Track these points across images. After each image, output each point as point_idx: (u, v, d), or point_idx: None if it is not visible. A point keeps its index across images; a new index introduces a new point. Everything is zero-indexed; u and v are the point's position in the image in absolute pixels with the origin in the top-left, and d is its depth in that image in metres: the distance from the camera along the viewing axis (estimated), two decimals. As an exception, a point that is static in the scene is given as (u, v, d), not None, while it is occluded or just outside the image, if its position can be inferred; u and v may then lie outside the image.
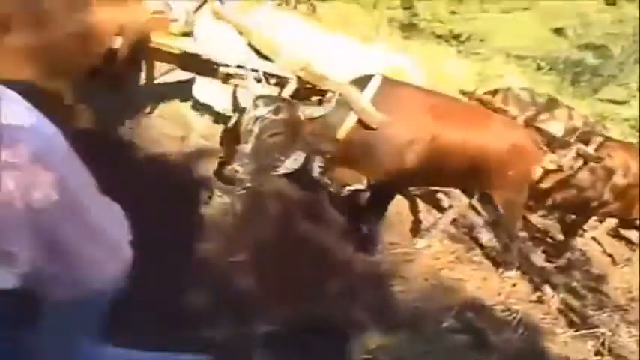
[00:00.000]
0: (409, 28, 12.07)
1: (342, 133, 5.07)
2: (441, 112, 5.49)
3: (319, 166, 5.35)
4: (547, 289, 6.60)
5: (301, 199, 5.98)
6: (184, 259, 4.59)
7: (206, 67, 5.17)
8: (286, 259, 5.07)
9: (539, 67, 12.39)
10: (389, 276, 5.71)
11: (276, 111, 4.78)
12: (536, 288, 6.62)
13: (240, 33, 5.27)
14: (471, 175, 5.84)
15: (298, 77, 5.10)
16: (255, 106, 4.76)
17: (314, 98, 5.21)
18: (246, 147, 4.74)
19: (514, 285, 6.52)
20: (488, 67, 11.17)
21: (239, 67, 5.05)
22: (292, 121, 4.87)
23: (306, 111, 4.93)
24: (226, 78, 5.13)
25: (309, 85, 5.20)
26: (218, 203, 5.38)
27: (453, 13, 12.57)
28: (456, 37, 12.32)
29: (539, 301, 6.41)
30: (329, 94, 5.04)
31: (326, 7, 10.58)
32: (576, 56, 12.33)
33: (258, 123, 4.73)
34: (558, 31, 12.51)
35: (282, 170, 5.08)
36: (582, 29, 12.17)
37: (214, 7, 5.33)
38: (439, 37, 12.30)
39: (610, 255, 8.13)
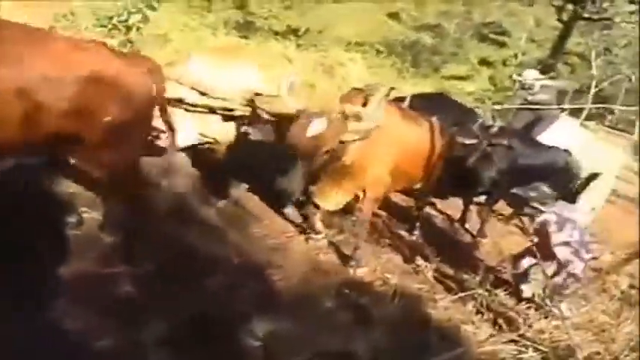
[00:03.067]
0: (246, 28, 11.98)
1: None
2: None
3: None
4: (420, 260, 6.68)
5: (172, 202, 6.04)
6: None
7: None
8: (163, 264, 5.02)
9: (378, 52, 12.59)
10: (266, 266, 5.65)
11: None
12: (410, 260, 6.68)
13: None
14: None
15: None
16: None
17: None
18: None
19: (388, 261, 6.54)
20: (330, 58, 11.21)
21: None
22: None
23: None
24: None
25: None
26: (88, 219, 5.33)
27: (288, 8, 12.60)
28: (294, 31, 12.34)
29: (415, 272, 6.47)
30: None
31: (158, 15, 10.37)
32: (413, 38, 12.62)
33: None
34: (393, 16, 12.77)
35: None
36: (416, 11, 12.47)
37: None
38: (277, 33, 12.28)
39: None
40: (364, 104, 5.49)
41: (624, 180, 10.66)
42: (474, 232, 8.13)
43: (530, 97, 10.86)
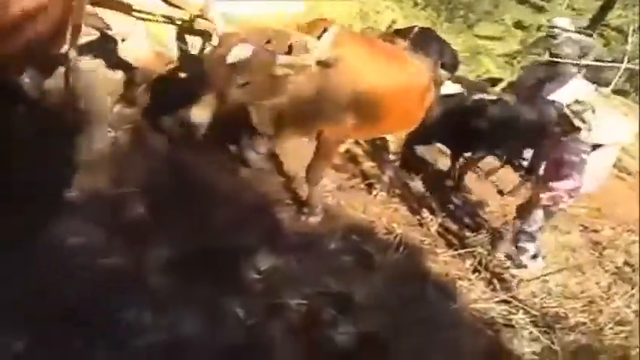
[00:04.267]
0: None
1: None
2: None
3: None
4: (426, 213, 6.85)
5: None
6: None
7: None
8: (173, 189, 5.15)
9: (415, 4, 12.55)
10: (275, 203, 5.79)
11: None
12: (416, 212, 6.85)
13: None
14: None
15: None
16: None
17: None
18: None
19: (395, 210, 6.71)
20: (367, 5, 11.22)
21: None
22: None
23: None
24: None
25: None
26: (104, 135, 5.40)
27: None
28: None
29: (420, 224, 6.66)
30: None
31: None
32: (451, -10, 12.57)
33: None
34: (431, -34, 12.70)
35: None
36: (457, -34, 12.42)
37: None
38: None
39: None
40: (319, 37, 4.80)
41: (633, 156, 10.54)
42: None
43: (552, 49, 10.10)
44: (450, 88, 7.02)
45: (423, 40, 7.39)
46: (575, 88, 9.17)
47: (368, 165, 7.37)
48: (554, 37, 9.99)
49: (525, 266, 6.34)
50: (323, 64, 4.74)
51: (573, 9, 12.94)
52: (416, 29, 7.43)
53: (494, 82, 8.94)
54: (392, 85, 5.63)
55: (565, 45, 9.83)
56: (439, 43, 8.13)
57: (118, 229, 4.55)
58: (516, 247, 6.43)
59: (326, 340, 4.49)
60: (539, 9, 12.81)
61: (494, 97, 7.38)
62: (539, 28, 12.48)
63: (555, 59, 9.55)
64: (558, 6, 12.79)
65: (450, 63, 7.58)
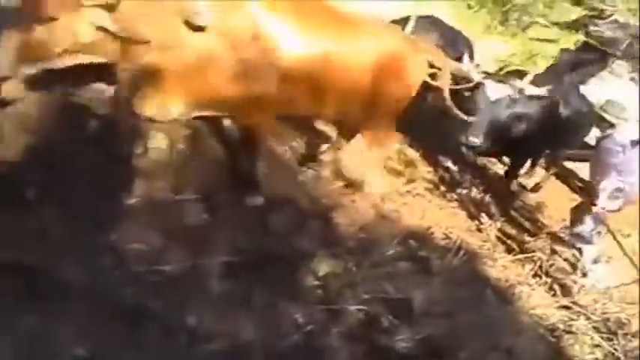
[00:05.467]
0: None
1: None
2: None
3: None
4: (484, 218, 6.79)
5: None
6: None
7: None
8: (231, 195, 5.18)
9: (469, 7, 12.46)
10: (332, 208, 5.78)
11: None
12: (474, 217, 6.80)
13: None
14: None
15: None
16: None
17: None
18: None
19: (454, 215, 6.69)
20: (420, 6, 11.18)
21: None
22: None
23: None
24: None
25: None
26: (163, 142, 5.39)
27: (385, -45, 12.53)
28: (391, -22, 12.29)
29: (478, 229, 6.61)
30: None
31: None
32: (506, -5, 12.42)
33: None
34: (488, -29, 12.60)
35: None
36: (512, -31, 12.27)
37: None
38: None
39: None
40: None
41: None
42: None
43: (593, 29, 9.25)
44: (493, 90, 6.40)
45: (425, 29, 6.68)
46: (605, 82, 8.43)
47: (425, 170, 7.29)
48: (598, 17, 9.23)
49: (587, 273, 6.24)
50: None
51: (629, 10, 12.61)
52: (413, 17, 6.46)
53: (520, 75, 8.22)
54: (328, 53, 4.99)
55: (607, 29, 9.04)
56: (444, 28, 7.40)
57: (178, 236, 4.62)
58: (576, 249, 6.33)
59: (384, 345, 4.48)
60: (594, 10, 12.54)
61: (536, 94, 6.71)
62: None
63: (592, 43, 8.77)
64: (613, 8, 12.45)
65: (462, 51, 6.68)
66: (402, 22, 6.40)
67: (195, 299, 4.19)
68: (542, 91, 6.58)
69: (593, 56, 8.78)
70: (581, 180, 8.13)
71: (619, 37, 8.82)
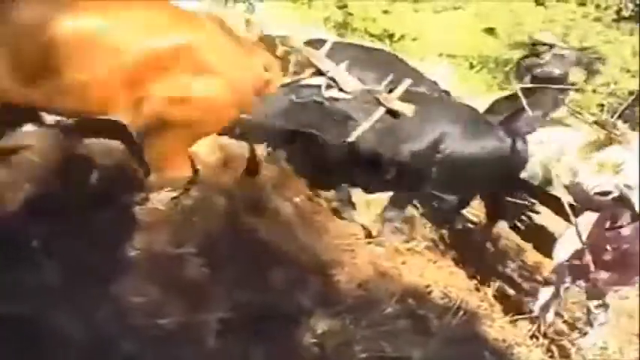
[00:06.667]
0: (344, 27, 12.22)
1: None
2: None
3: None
4: (483, 277, 6.80)
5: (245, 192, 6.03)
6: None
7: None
8: (231, 249, 5.19)
9: (471, 66, 12.65)
10: (331, 265, 5.80)
11: None
12: (473, 277, 6.80)
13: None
14: None
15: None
16: None
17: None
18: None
19: (452, 274, 6.70)
20: (421, 66, 11.34)
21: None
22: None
23: None
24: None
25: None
26: (166, 196, 5.39)
27: (386, 12, 12.78)
28: (390, 36, 12.51)
29: (477, 289, 6.62)
30: None
31: (263, 7, 10.63)
32: (507, 55, 12.60)
33: None
34: (490, 31, 12.81)
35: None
36: (513, 28, 12.46)
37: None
38: (373, 35, 12.48)
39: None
40: None
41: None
42: None
43: (538, 70, 8.22)
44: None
45: (340, 51, 6.28)
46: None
47: (425, 228, 7.32)
48: (538, 55, 8.34)
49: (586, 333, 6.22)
50: None
51: (627, 70, 12.75)
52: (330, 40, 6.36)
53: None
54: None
55: (553, 64, 8.22)
56: (361, 49, 7.04)
57: (177, 289, 4.61)
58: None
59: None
60: (594, 72, 12.67)
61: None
62: (594, 90, 12.32)
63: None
64: (612, 68, 12.57)
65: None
66: (318, 43, 6.32)
67: (193, 354, 4.18)
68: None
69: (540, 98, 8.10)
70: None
71: (562, 73, 8.22)
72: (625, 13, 13.29)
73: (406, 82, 6.12)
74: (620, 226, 5.68)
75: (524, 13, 12.66)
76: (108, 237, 4.73)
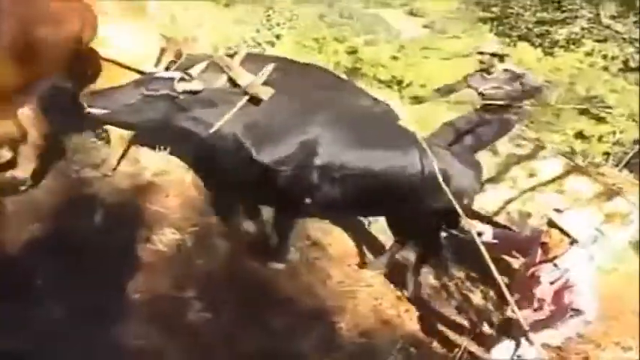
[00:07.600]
0: (353, 72, 12.31)
1: None
2: None
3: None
4: (485, 326, 6.76)
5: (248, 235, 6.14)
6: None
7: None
8: (233, 295, 5.26)
9: (477, 110, 12.68)
10: (333, 312, 5.83)
11: None
12: (475, 326, 6.78)
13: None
14: None
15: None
16: None
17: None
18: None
19: (454, 321, 6.68)
20: (430, 112, 11.40)
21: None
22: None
23: None
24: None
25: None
26: (170, 239, 5.49)
27: (395, 58, 12.89)
28: (399, 82, 12.61)
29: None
30: None
31: (273, 51, 10.71)
32: (514, 103, 12.65)
33: None
34: (497, 79, 12.90)
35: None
36: (520, 76, 12.54)
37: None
38: (381, 81, 12.57)
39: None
40: None
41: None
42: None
43: (482, 87, 8.05)
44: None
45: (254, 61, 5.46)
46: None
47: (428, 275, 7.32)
48: (485, 71, 8.16)
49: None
50: None
51: (634, 120, 12.76)
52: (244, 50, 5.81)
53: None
54: None
55: (504, 82, 7.97)
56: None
57: (178, 333, 4.66)
58: None
59: None
60: (600, 120, 12.75)
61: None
62: (600, 139, 12.38)
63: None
64: (619, 117, 12.63)
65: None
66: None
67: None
68: None
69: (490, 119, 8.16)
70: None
71: (511, 92, 7.97)
72: (632, 64, 13.36)
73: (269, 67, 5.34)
74: None
75: (531, 63, 12.73)
76: (111, 277, 4.81)
